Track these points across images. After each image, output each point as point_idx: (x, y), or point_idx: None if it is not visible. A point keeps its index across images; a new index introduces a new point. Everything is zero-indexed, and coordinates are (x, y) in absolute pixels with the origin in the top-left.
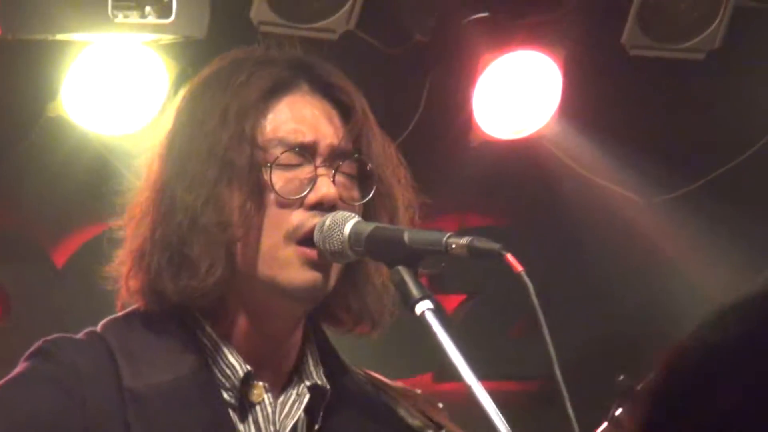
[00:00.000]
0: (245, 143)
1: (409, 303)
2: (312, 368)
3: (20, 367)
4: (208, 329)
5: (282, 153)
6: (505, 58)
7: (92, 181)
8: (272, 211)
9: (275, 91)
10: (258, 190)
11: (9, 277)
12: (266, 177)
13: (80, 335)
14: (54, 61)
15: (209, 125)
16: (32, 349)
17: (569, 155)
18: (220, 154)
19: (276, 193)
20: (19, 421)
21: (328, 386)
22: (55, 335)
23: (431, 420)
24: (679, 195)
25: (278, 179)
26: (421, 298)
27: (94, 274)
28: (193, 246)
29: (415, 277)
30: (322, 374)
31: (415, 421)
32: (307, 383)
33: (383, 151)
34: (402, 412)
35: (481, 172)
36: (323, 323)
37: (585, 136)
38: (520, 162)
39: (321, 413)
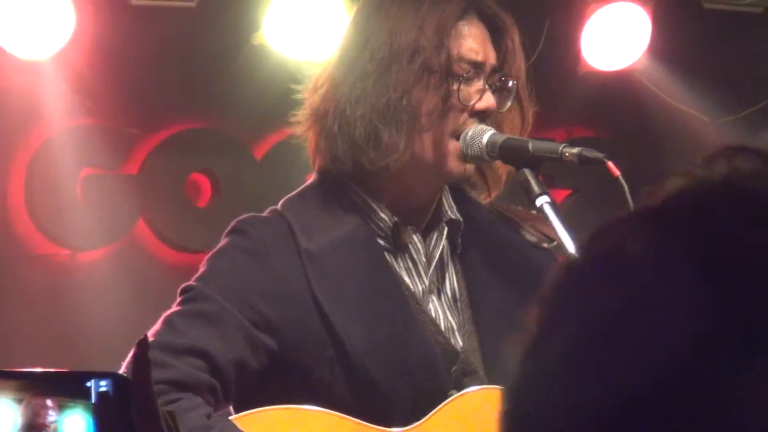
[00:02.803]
0: (444, 53)
1: (532, 197)
2: (447, 208)
3: (222, 241)
4: (361, 194)
5: (466, 68)
6: (607, 7)
7: (285, 96)
8: (449, 112)
9: (459, 16)
10: (445, 94)
11: (220, 167)
12: (454, 87)
13: (265, 213)
14: None
15: (409, 35)
16: (229, 227)
17: (655, 84)
18: (420, 59)
19: (459, 101)
20: (225, 283)
21: (461, 219)
22: (246, 215)
23: (545, 235)
24: (740, 117)
25: (455, 85)
26: (541, 194)
27: (283, 165)
28: (386, 129)
29: (537, 176)
30: (456, 211)
31: (532, 238)
32: (445, 219)
33: (521, 72)
34: (522, 231)
35: (586, 96)
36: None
37: (667, 69)
38: (617, 89)
39: (459, 240)
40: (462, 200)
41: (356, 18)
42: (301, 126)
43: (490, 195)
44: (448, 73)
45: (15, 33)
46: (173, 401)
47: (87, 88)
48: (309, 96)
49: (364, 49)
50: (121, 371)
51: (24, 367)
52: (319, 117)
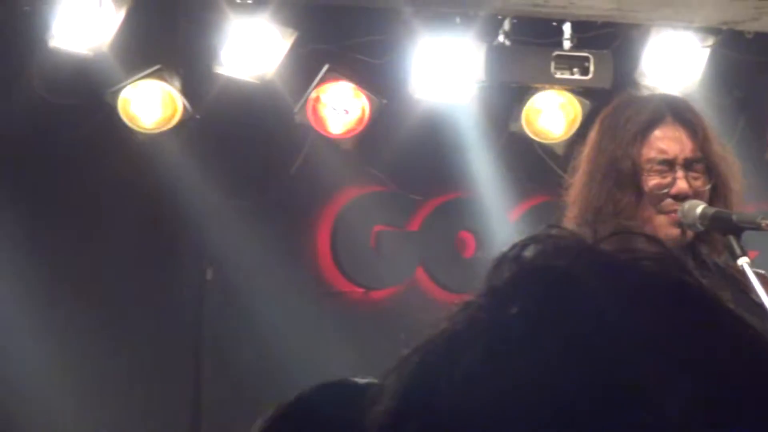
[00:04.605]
0: (628, 160)
1: (735, 257)
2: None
3: None
4: None
5: (658, 167)
6: None
7: (539, 172)
8: (653, 199)
9: (651, 122)
10: (639, 189)
11: (482, 227)
12: (649, 182)
13: None
14: (516, 98)
15: (609, 147)
16: None
17: None
18: (616, 168)
19: (654, 190)
20: None
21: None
22: None
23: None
24: None
25: (650, 180)
26: (742, 255)
27: (534, 226)
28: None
29: (739, 242)
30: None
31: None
32: None
33: (721, 154)
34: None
35: None
36: None
37: None
38: None
39: None
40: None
41: (592, 130)
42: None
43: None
44: (640, 172)
45: (330, 116)
46: None
47: (379, 162)
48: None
49: (585, 159)
50: None
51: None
52: (566, 205)
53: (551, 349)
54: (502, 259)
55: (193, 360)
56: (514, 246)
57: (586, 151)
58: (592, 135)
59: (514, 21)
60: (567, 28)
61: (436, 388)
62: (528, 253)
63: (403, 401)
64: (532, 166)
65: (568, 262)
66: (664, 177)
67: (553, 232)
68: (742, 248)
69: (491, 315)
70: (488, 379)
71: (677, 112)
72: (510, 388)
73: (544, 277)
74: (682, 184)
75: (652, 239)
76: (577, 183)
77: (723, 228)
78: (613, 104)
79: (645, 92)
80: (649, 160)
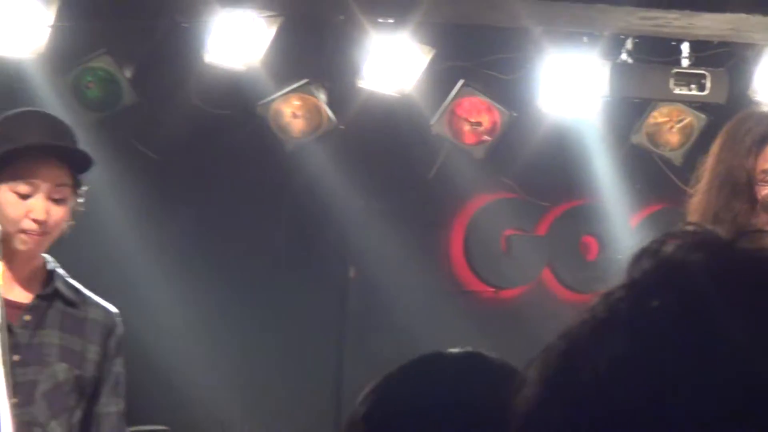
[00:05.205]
0: (743, 170)
1: None
2: None
3: None
4: None
5: (765, 177)
6: None
7: (657, 179)
8: (762, 208)
9: (766, 135)
10: (752, 197)
11: (604, 232)
12: (762, 192)
13: None
14: (637, 112)
15: (726, 158)
16: None
17: None
18: (732, 179)
19: (760, 199)
20: None
21: None
22: None
23: None
24: None
25: (763, 190)
26: None
27: (653, 232)
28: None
29: None
30: None
31: None
32: None
33: None
34: None
35: None
36: None
37: None
38: None
39: None
40: None
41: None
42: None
43: None
44: (754, 182)
45: (464, 127)
46: None
47: (509, 171)
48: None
49: (707, 169)
50: None
51: None
52: (688, 212)
53: (695, 344)
54: (642, 253)
55: (336, 352)
56: (654, 241)
57: (709, 161)
58: (715, 146)
59: (636, 40)
60: (685, 47)
61: (579, 377)
62: (667, 248)
63: (547, 388)
64: (652, 175)
65: (707, 257)
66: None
67: (691, 228)
68: None
69: (632, 307)
70: (631, 369)
71: None
72: (655, 379)
73: (684, 272)
74: None
75: None
76: (698, 191)
77: None
78: (736, 117)
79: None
80: (763, 171)
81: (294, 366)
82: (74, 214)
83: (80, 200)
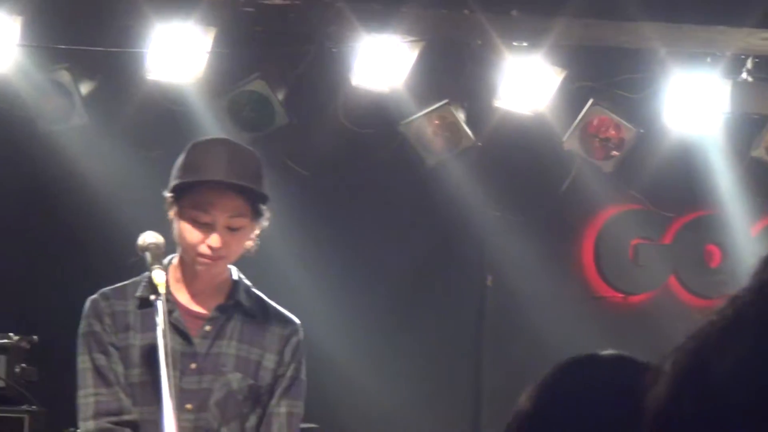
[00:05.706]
0: None
1: None
2: None
3: None
4: None
5: None
6: None
7: None
8: None
9: None
10: None
11: (727, 240)
12: None
13: None
14: (757, 127)
15: None
16: None
17: None
18: None
19: None
20: None
21: None
22: None
23: None
24: None
25: None
26: None
27: None
28: None
29: None
30: None
31: None
32: None
33: None
34: None
35: None
36: None
37: None
38: None
39: None
40: None
41: None
42: None
43: None
44: None
45: (594, 143)
46: None
47: (637, 184)
48: None
49: None
50: None
51: None
52: None
53: None
54: None
55: (475, 354)
56: None
57: None
58: None
59: (756, 60)
60: None
61: (709, 374)
62: None
63: (678, 385)
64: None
65: None
66: None
67: None
68: None
69: (760, 310)
70: (758, 369)
71: None
72: None
73: None
74: None
75: None
76: None
77: None
78: None
79: None
80: None
81: (437, 365)
82: (259, 236)
83: (264, 223)
